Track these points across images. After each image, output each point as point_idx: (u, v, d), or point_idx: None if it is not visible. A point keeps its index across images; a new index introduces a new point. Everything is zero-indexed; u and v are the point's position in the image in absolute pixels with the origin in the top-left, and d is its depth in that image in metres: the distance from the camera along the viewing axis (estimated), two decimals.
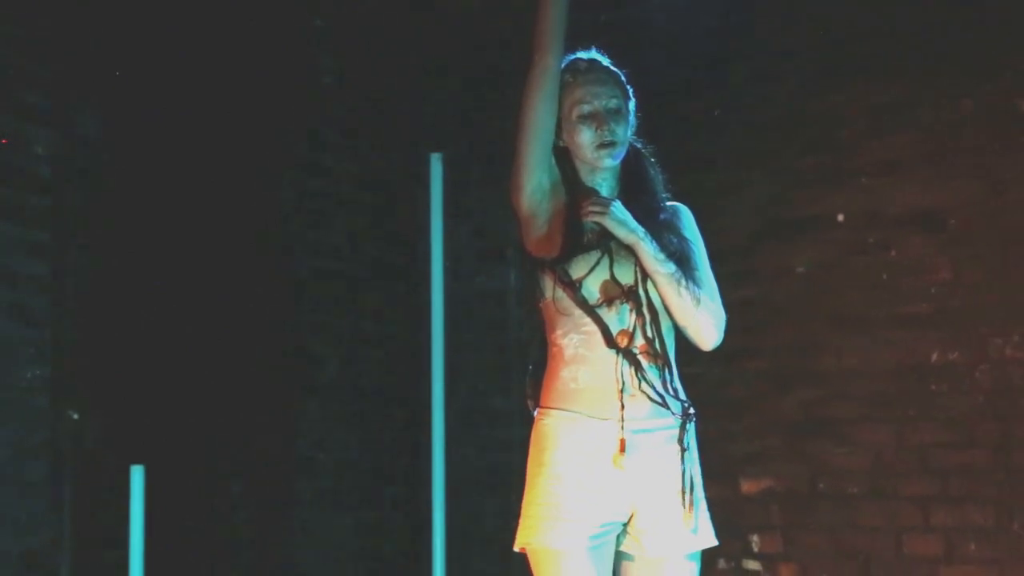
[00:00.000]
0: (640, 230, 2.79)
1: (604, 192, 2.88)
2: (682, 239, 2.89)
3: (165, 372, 4.32)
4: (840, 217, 4.89)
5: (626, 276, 2.80)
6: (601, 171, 2.90)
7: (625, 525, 2.81)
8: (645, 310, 2.80)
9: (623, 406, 2.76)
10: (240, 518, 4.69)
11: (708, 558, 2.88)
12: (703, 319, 2.83)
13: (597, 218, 2.78)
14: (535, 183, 2.86)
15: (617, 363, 2.77)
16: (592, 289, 2.79)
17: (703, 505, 2.84)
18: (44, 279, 4.02)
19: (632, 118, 2.93)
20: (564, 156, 2.91)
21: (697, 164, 4.90)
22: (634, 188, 2.91)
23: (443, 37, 5.44)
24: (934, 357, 4.72)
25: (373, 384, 5.25)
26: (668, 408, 2.79)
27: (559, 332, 2.83)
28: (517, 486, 2.92)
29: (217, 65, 4.52)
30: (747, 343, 4.77)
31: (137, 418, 4.24)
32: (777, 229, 4.97)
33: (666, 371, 2.81)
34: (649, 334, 2.79)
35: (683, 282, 2.80)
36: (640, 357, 2.78)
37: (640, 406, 2.78)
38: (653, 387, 2.78)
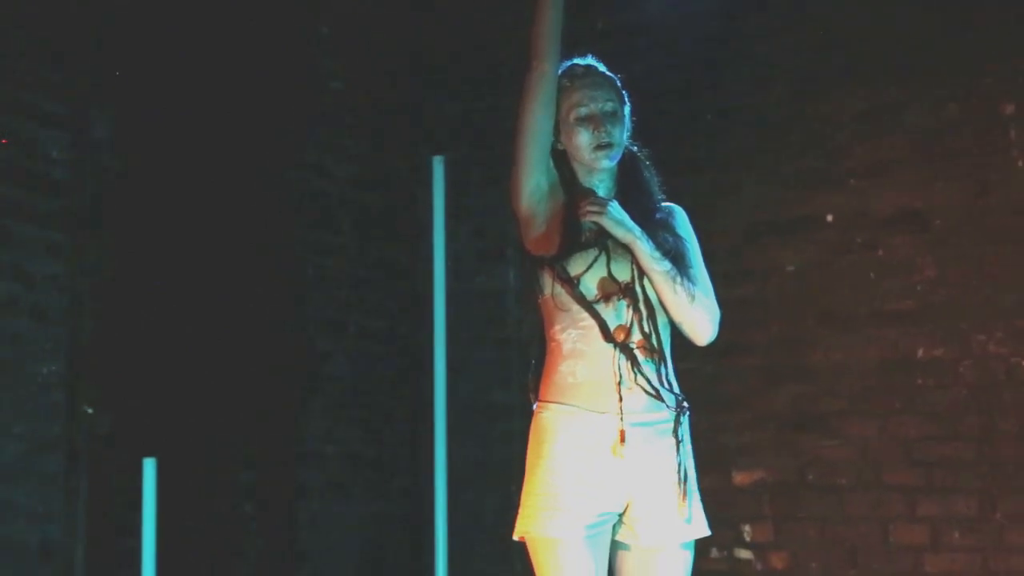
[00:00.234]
0: (636, 229, 2.79)
1: (601, 193, 2.88)
2: (677, 238, 2.89)
3: (176, 368, 4.33)
4: (829, 218, 4.90)
5: (623, 273, 2.80)
6: (598, 172, 2.90)
7: (621, 515, 2.81)
8: (642, 306, 2.80)
9: (621, 398, 2.77)
10: (248, 509, 4.69)
11: (701, 547, 2.87)
12: (698, 315, 2.84)
13: (595, 218, 2.79)
14: (534, 184, 2.86)
15: (614, 357, 2.78)
16: (590, 285, 2.80)
17: (696, 496, 2.84)
18: (60, 278, 4.02)
19: (627, 122, 2.93)
20: (562, 158, 2.92)
21: (691, 167, 4.91)
22: (630, 189, 2.91)
23: (444, 45, 5.44)
24: (919, 353, 4.72)
25: (377, 379, 5.25)
26: (662, 401, 2.79)
27: (558, 327, 2.83)
28: (517, 477, 2.92)
29: (225, 71, 4.52)
30: (739, 339, 4.78)
31: (149, 412, 4.24)
32: (768, 229, 4.97)
33: (661, 365, 2.81)
34: (646, 329, 2.80)
35: (678, 279, 2.81)
36: (636, 352, 2.78)
37: (637, 400, 2.78)
38: (648, 380, 2.78)
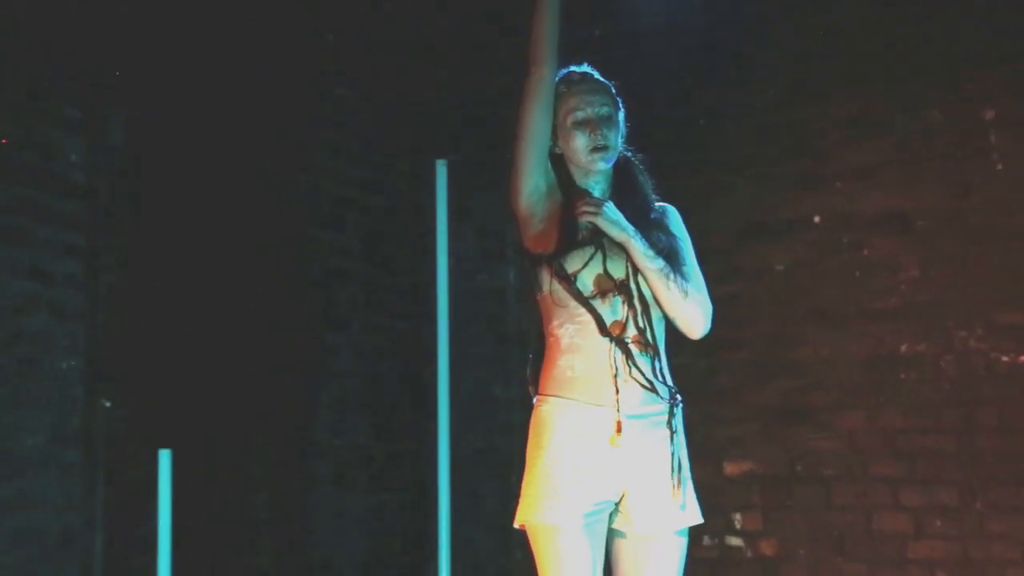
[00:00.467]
0: (630, 229, 2.80)
1: (597, 194, 2.89)
2: (671, 236, 2.89)
3: (190, 363, 4.32)
4: (816, 219, 4.90)
5: (618, 270, 2.81)
6: (594, 175, 2.91)
7: (617, 504, 2.81)
8: (636, 302, 2.80)
9: (618, 391, 2.77)
10: (259, 498, 4.68)
11: (693, 535, 2.87)
12: (691, 310, 2.84)
13: (591, 218, 2.79)
14: (532, 185, 2.87)
15: (610, 351, 2.78)
16: (586, 282, 2.80)
17: (690, 485, 2.84)
18: (78, 277, 4.01)
19: (622, 126, 2.94)
20: (559, 162, 2.92)
21: (684, 170, 4.91)
22: (624, 191, 2.92)
23: (447, 53, 5.45)
24: (903, 348, 4.73)
25: (382, 374, 5.24)
26: (657, 393, 2.80)
27: (556, 323, 2.83)
28: (517, 468, 2.93)
29: (235, 78, 4.52)
30: (731, 336, 4.79)
31: (164, 406, 4.23)
32: (758, 230, 4.98)
33: (655, 359, 2.81)
34: (640, 324, 2.80)
35: (671, 276, 2.81)
36: (632, 346, 2.79)
37: (633, 393, 2.78)
38: (643, 373, 2.78)
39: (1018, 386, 4.56)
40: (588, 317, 2.79)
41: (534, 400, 2.87)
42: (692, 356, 4.57)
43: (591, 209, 2.79)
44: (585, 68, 2.97)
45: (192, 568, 4.06)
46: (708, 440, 4.73)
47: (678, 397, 2.84)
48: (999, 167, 4.65)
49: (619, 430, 2.77)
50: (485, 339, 5.31)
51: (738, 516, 4.90)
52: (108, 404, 4.08)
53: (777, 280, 4.93)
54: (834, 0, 4.90)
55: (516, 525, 2.84)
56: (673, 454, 2.80)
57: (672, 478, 2.79)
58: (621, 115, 2.94)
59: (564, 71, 2.93)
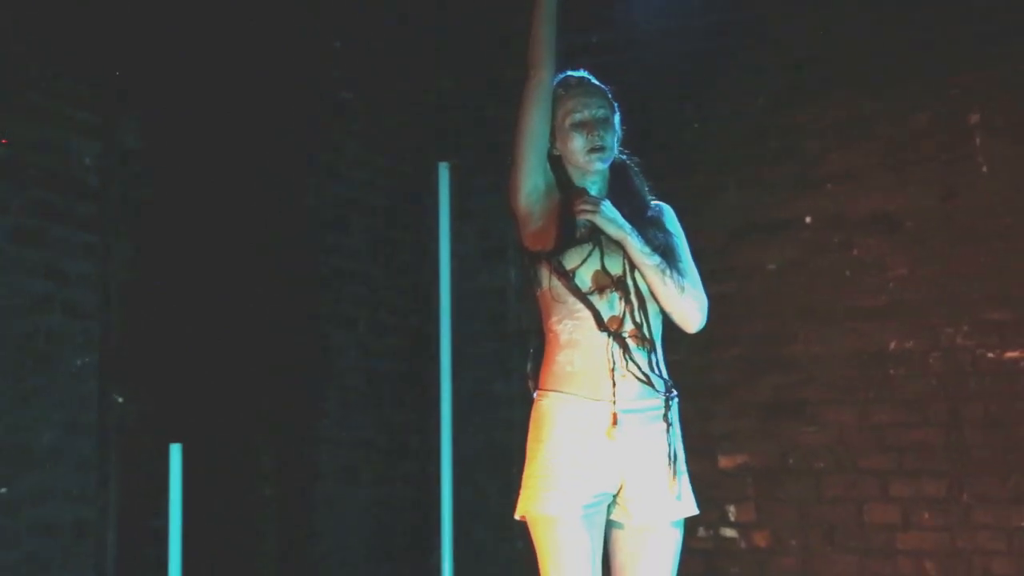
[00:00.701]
0: (627, 226, 2.80)
1: (594, 193, 2.89)
2: (666, 234, 2.90)
3: (201, 360, 4.32)
4: (807, 220, 4.90)
5: (615, 267, 2.81)
6: (591, 175, 2.91)
7: (615, 496, 2.81)
8: (633, 297, 2.81)
9: (614, 384, 2.78)
10: (267, 491, 4.68)
11: (689, 526, 2.88)
12: (688, 305, 2.85)
13: (589, 216, 2.80)
14: (531, 185, 2.87)
15: (608, 345, 2.78)
16: (584, 278, 2.80)
17: (686, 477, 2.85)
18: (92, 277, 4.01)
19: (618, 128, 2.94)
20: (557, 163, 2.93)
21: (679, 172, 4.90)
22: (621, 190, 2.92)
23: (449, 61, 5.45)
24: (891, 345, 4.73)
25: (387, 371, 5.24)
26: (653, 387, 2.80)
27: (555, 319, 2.84)
28: (517, 462, 2.93)
29: (244, 83, 4.52)
30: (724, 333, 4.78)
31: (176, 401, 4.23)
32: (751, 230, 4.97)
33: (652, 353, 2.82)
34: (637, 319, 2.80)
35: (667, 272, 2.82)
36: (629, 340, 2.79)
37: (630, 387, 2.78)
38: (639, 367, 2.78)
39: (1003, 381, 4.56)
40: (586, 313, 2.80)
41: (534, 395, 2.88)
42: (687, 353, 4.58)
43: (589, 207, 2.80)
44: (582, 73, 2.98)
45: (202, 558, 4.06)
46: (703, 434, 4.73)
47: (674, 391, 2.84)
48: (984, 170, 4.65)
49: (615, 422, 2.77)
50: (486, 337, 5.31)
51: (732, 508, 4.90)
52: (121, 400, 4.08)
53: (769, 279, 4.93)
54: (824, 8, 4.90)
55: (517, 516, 2.85)
56: (669, 445, 2.81)
57: (668, 469, 2.80)
58: (617, 118, 2.95)
59: (562, 75, 2.94)
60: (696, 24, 5.08)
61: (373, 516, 5.13)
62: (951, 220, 4.67)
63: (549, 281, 2.84)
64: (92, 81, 4.04)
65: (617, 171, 2.96)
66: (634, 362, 2.79)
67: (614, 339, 2.79)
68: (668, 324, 2.89)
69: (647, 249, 2.81)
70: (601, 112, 2.90)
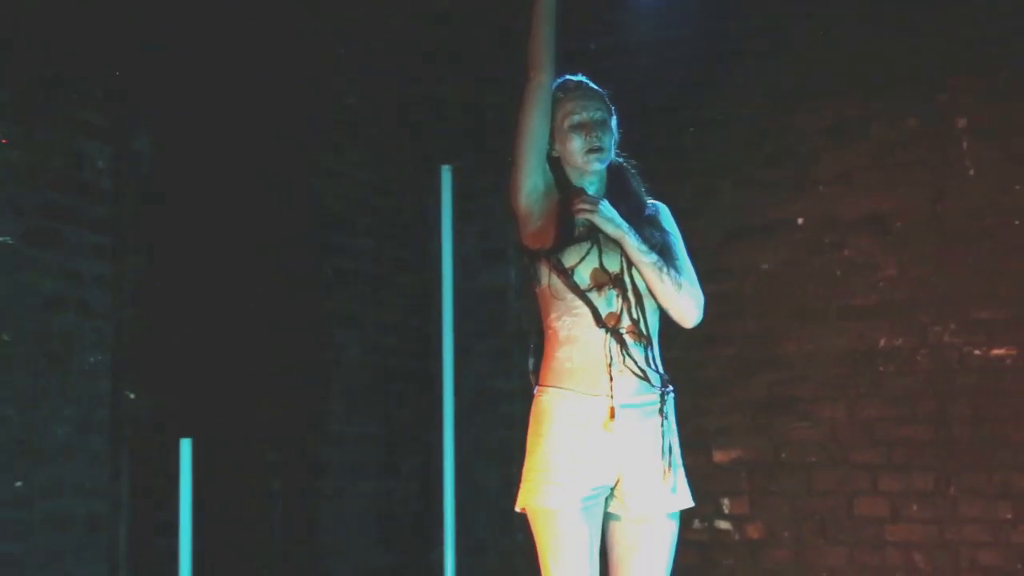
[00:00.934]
0: (624, 225, 2.80)
1: (591, 193, 2.88)
2: (663, 232, 2.89)
3: (210, 357, 4.32)
4: (800, 221, 4.91)
5: (613, 265, 2.80)
6: (589, 175, 2.91)
7: (612, 489, 2.81)
8: (630, 294, 2.80)
9: (611, 378, 2.78)
10: (275, 485, 4.68)
11: (684, 518, 2.87)
12: (684, 301, 2.84)
13: (587, 215, 2.79)
14: (531, 185, 2.87)
15: (605, 341, 2.78)
16: (583, 276, 2.80)
17: (681, 470, 2.84)
18: (105, 277, 4.02)
19: (615, 131, 2.94)
20: (556, 164, 2.92)
21: (675, 175, 4.90)
22: (618, 190, 2.92)
23: (451, 68, 5.46)
24: (881, 343, 4.74)
25: (390, 368, 5.25)
26: (649, 382, 2.79)
27: (554, 316, 2.83)
28: (518, 456, 2.92)
29: (252, 88, 4.53)
30: (719, 331, 4.79)
31: (186, 397, 4.23)
32: (745, 232, 4.98)
33: (648, 349, 2.81)
34: (634, 315, 2.80)
35: (665, 269, 2.81)
36: (626, 336, 2.78)
37: (627, 383, 2.78)
38: (636, 362, 2.78)
39: (990, 378, 4.57)
40: (585, 310, 2.79)
41: (534, 391, 2.87)
42: (683, 350, 4.57)
43: (587, 207, 2.80)
44: (580, 77, 2.98)
45: (211, 550, 4.06)
46: (698, 430, 4.73)
47: (670, 386, 2.84)
48: (971, 172, 4.66)
49: (612, 416, 2.77)
50: (487, 335, 5.31)
51: (726, 501, 4.91)
52: (133, 396, 4.08)
53: (763, 279, 4.94)
54: (816, 16, 4.91)
55: (517, 509, 2.84)
56: (664, 438, 2.80)
57: (663, 461, 2.80)
58: (614, 121, 2.95)
59: (560, 79, 2.94)
60: (691, 32, 5.08)
61: (377, 509, 5.13)
62: (939, 222, 4.68)
63: (548, 279, 2.83)
64: (104, 88, 4.05)
65: (614, 172, 2.96)
66: (631, 358, 2.78)
67: (612, 335, 2.78)
68: (665, 320, 2.88)
69: (644, 247, 2.81)
70: (599, 114, 2.90)
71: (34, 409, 3.78)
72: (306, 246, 4.90)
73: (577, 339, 2.80)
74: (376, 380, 5.17)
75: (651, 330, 2.84)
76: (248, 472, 4.56)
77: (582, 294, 2.79)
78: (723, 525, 4.91)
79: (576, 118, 2.89)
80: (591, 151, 2.88)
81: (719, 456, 4.92)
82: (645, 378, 2.79)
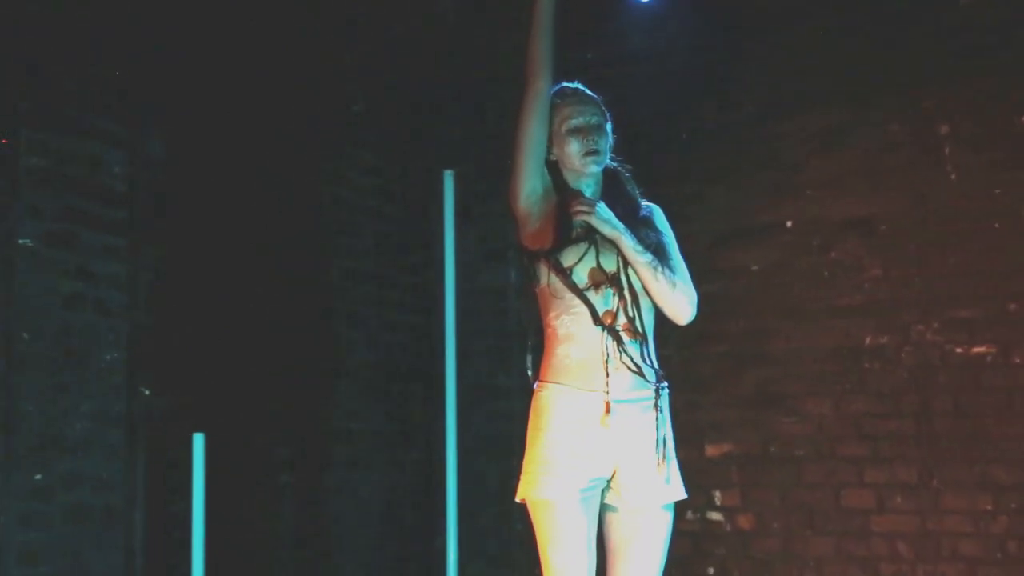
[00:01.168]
0: (621, 226, 2.81)
1: (588, 195, 2.89)
2: (657, 233, 2.91)
3: (222, 355, 4.32)
4: (789, 224, 4.90)
5: (610, 264, 2.82)
6: (585, 177, 2.92)
7: (609, 481, 2.82)
8: (626, 293, 2.81)
9: (608, 374, 2.79)
10: (284, 478, 4.68)
11: (677, 510, 2.88)
12: (679, 299, 2.85)
13: (585, 216, 2.80)
14: (530, 187, 2.88)
15: (602, 339, 2.79)
16: (581, 275, 2.81)
17: (675, 463, 2.85)
18: (121, 278, 4.00)
19: (610, 135, 2.95)
20: (554, 168, 2.93)
21: (668, 179, 4.88)
22: (614, 193, 2.94)
23: (453, 75, 5.47)
24: (867, 341, 4.74)
25: (395, 365, 5.24)
26: (645, 377, 2.80)
27: (553, 314, 2.84)
28: (517, 450, 2.93)
29: (262, 96, 4.53)
30: (711, 329, 4.79)
31: (198, 394, 4.22)
32: (736, 233, 4.97)
33: (644, 345, 2.82)
34: (630, 313, 2.81)
35: (659, 268, 2.82)
36: (622, 334, 2.80)
37: (623, 379, 2.79)
38: (632, 359, 2.79)
39: (970, 375, 4.58)
40: (583, 308, 2.80)
41: (534, 387, 2.89)
42: (676, 348, 4.61)
43: (585, 208, 2.81)
44: (576, 84, 3.00)
45: (223, 541, 4.07)
46: (690, 424, 4.73)
47: (664, 381, 2.85)
48: (952, 177, 4.67)
49: (608, 410, 2.78)
50: (488, 333, 5.31)
51: (718, 493, 4.90)
52: (147, 392, 4.08)
53: (753, 279, 4.94)
54: (804, 26, 4.92)
55: (517, 500, 2.85)
56: (658, 431, 2.81)
57: (657, 453, 2.81)
58: (609, 126, 2.96)
59: (558, 86, 2.95)
60: (685, 42, 5.08)
61: (382, 501, 5.12)
62: (922, 225, 4.69)
63: (548, 278, 2.84)
64: (120, 96, 4.06)
65: (609, 176, 2.97)
66: (627, 354, 2.79)
67: (608, 332, 2.79)
68: (659, 318, 2.89)
69: (640, 247, 2.82)
70: (595, 119, 2.92)
71: (53, 405, 3.78)
72: (313, 248, 4.90)
73: (575, 336, 2.81)
74: (381, 377, 5.16)
75: (646, 327, 2.85)
76: (258, 465, 4.55)
77: (580, 293, 2.80)
78: (715, 516, 4.91)
79: (573, 122, 2.90)
80: (588, 154, 2.89)
81: (711, 450, 4.92)
82: (640, 373, 2.80)
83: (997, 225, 4.59)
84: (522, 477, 2.84)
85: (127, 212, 4.05)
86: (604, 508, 2.86)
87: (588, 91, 2.98)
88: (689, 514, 4.86)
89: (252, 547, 4.48)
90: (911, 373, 4.65)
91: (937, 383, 4.61)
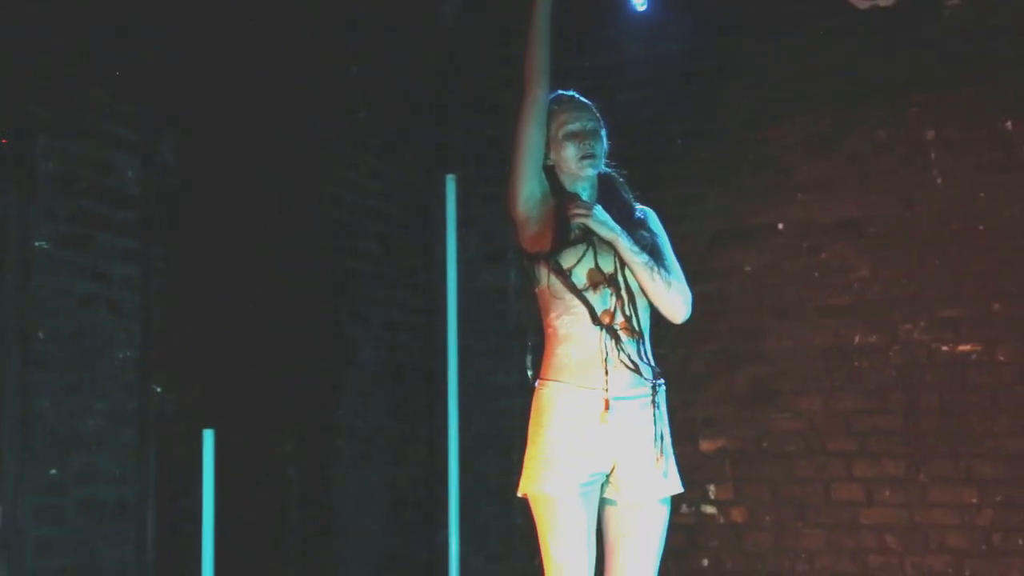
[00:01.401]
0: (617, 228, 2.82)
1: (585, 199, 2.91)
2: (652, 234, 2.92)
3: (231, 353, 4.30)
4: (780, 226, 4.91)
5: (607, 265, 2.83)
6: (582, 180, 2.93)
7: (608, 476, 2.83)
8: (624, 293, 2.82)
9: (607, 372, 2.80)
10: (291, 473, 4.67)
11: (672, 504, 2.89)
12: (674, 298, 2.87)
13: (582, 219, 2.82)
14: (528, 191, 2.89)
15: (601, 338, 2.80)
16: (580, 276, 2.82)
17: (672, 458, 2.86)
18: (134, 279, 4.00)
19: (605, 140, 2.97)
20: (552, 172, 2.95)
21: (663, 183, 4.89)
22: (610, 197, 2.95)
23: (454, 83, 5.47)
24: (856, 340, 4.74)
25: (399, 363, 5.23)
26: (642, 375, 2.81)
27: (553, 315, 2.85)
28: (518, 446, 2.94)
29: (270, 102, 4.53)
30: (705, 329, 4.79)
31: (209, 391, 4.21)
32: (729, 235, 4.97)
33: (640, 343, 2.83)
34: (627, 312, 2.82)
35: (655, 269, 2.83)
36: (620, 332, 2.81)
37: (621, 377, 2.80)
38: (629, 357, 2.80)
39: (956, 372, 4.59)
40: (582, 308, 2.81)
41: (535, 384, 2.90)
42: (671, 347, 4.61)
43: (582, 211, 2.82)
44: (572, 92, 3.02)
45: (233, 534, 4.06)
46: (685, 421, 4.74)
47: (661, 378, 2.86)
48: (938, 181, 4.68)
49: (607, 407, 2.79)
50: (489, 332, 5.31)
51: (712, 487, 4.91)
52: (159, 389, 4.07)
53: (746, 280, 4.95)
54: (795, 34, 4.92)
55: (519, 494, 2.86)
56: (656, 426, 2.82)
57: (655, 447, 2.81)
58: (604, 131, 2.98)
59: (555, 93, 2.97)
60: (678, 49, 5.09)
61: (387, 496, 5.12)
62: (909, 227, 4.69)
63: (547, 279, 2.85)
64: (134, 103, 4.06)
65: (604, 180, 2.98)
66: (624, 352, 2.80)
67: (607, 331, 2.80)
68: (656, 317, 2.90)
69: (636, 248, 2.83)
70: (591, 124, 2.93)
71: (68, 402, 3.78)
72: (320, 250, 4.89)
73: (575, 336, 2.82)
74: (385, 375, 5.15)
75: (643, 326, 2.86)
76: (266, 461, 4.54)
77: (579, 293, 2.81)
78: (709, 510, 4.91)
79: (570, 128, 2.91)
80: (584, 157, 2.91)
81: (705, 445, 4.93)
82: (638, 371, 2.81)
83: (982, 227, 4.60)
84: (523, 472, 2.85)
85: (139, 215, 4.05)
86: (603, 502, 2.87)
87: (583, 98, 2.99)
88: (684, 508, 4.86)
89: (261, 540, 4.48)
90: (899, 371, 4.65)
91: (924, 381, 4.61)
